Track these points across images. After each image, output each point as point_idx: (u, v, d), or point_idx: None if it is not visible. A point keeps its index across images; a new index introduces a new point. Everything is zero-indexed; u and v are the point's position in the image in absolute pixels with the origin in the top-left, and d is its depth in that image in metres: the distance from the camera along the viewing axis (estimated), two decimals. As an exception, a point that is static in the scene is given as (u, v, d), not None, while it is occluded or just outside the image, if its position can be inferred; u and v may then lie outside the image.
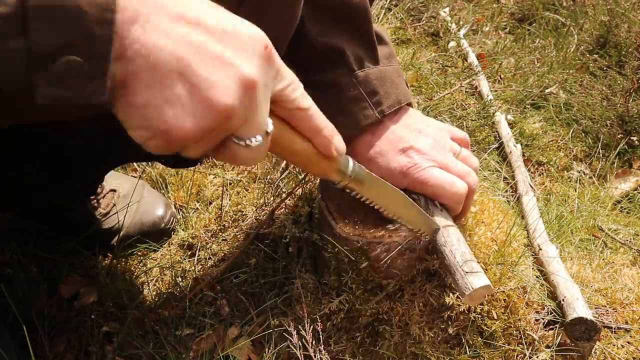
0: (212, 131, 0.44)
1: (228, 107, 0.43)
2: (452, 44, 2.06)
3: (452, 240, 0.77)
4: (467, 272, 0.73)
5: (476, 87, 1.80)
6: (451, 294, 0.84)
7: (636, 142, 1.68)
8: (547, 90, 1.85)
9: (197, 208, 1.27)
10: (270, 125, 0.49)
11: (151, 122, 0.42)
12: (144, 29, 0.40)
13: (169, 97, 0.41)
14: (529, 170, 1.45)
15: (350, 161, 0.65)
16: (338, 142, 0.59)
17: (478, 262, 0.87)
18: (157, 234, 1.17)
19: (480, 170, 0.90)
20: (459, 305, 0.85)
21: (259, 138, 0.48)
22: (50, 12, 0.36)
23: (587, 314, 0.86)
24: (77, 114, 0.42)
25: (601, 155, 1.64)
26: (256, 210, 1.18)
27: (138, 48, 0.39)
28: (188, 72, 0.41)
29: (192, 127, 0.42)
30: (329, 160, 0.60)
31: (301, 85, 0.53)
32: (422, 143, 0.84)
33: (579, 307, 0.87)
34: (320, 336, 0.87)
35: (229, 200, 1.23)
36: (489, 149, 1.52)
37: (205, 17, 0.43)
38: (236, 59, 0.43)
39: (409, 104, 0.90)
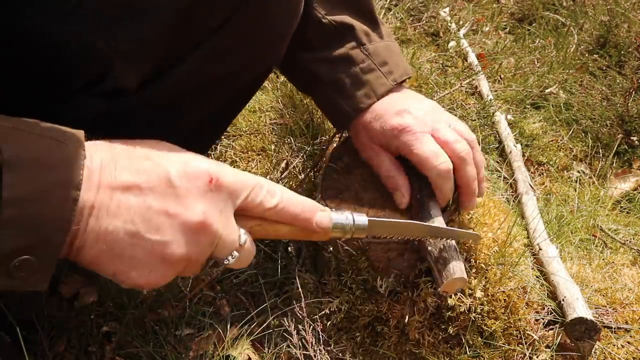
0: (181, 272, 0.51)
1: (182, 255, 0.49)
2: (452, 43, 2.06)
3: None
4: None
5: (476, 87, 1.79)
6: (452, 295, 0.84)
7: (636, 142, 1.68)
8: (547, 90, 1.85)
9: (197, 208, 1.27)
10: (242, 236, 0.54)
11: (125, 282, 0.49)
12: (96, 218, 0.46)
13: (130, 263, 0.48)
14: (529, 170, 1.45)
15: (346, 217, 0.64)
16: (319, 218, 0.60)
17: (478, 262, 0.87)
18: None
19: (474, 139, 0.87)
20: (460, 305, 0.85)
21: (235, 254, 0.53)
22: (18, 222, 0.41)
23: (587, 314, 0.86)
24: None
25: (601, 155, 1.64)
26: (256, 210, 1.18)
27: (94, 236, 0.46)
28: (139, 240, 0.47)
29: (157, 280, 0.50)
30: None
31: (264, 185, 0.55)
32: (417, 107, 0.85)
33: (579, 307, 0.87)
34: (320, 336, 0.87)
35: (229, 200, 1.23)
36: (489, 149, 1.52)
37: (148, 177, 0.48)
38: (179, 207, 0.48)
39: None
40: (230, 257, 0.53)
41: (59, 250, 0.44)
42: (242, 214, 0.54)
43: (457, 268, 0.74)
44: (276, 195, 0.56)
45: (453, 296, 0.84)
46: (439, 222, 0.79)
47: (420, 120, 0.82)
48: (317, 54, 0.88)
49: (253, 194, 0.54)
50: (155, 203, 0.48)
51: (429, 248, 0.77)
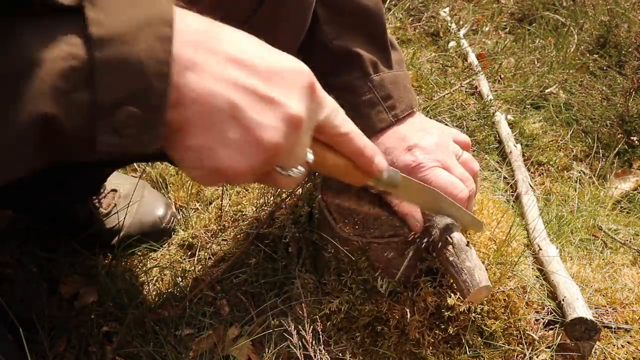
0: (260, 166, 0.47)
1: (277, 145, 0.45)
2: (452, 44, 2.06)
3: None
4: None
5: (476, 87, 1.80)
6: (452, 294, 0.84)
7: (636, 142, 1.68)
8: (547, 90, 1.85)
9: (197, 208, 1.27)
10: (310, 155, 0.52)
11: (205, 163, 0.44)
12: (198, 76, 0.42)
13: (222, 139, 0.44)
14: (529, 170, 1.45)
15: (386, 166, 0.65)
16: (379, 161, 0.60)
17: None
18: (157, 234, 1.17)
19: (480, 170, 0.90)
20: (459, 305, 0.85)
21: (300, 169, 0.51)
22: (114, 65, 0.38)
23: (587, 314, 0.86)
24: (128, 158, 0.44)
25: (601, 155, 1.64)
26: (256, 210, 1.18)
27: (194, 96, 0.42)
28: (240, 115, 0.43)
29: (243, 165, 0.45)
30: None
31: (341, 111, 0.54)
32: (426, 142, 0.84)
33: (579, 307, 0.87)
34: (320, 336, 0.87)
35: (229, 200, 1.23)
36: (489, 149, 1.52)
37: (254, 58, 0.45)
38: (284, 98, 0.46)
39: None
40: (295, 169, 0.50)
41: (164, 100, 0.40)
42: (312, 134, 0.53)
43: (482, 277, 0.74)
44: (349, 123, 0.55)
45: (453, 296, 0.84)
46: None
47: (431, 154, 0.83)
48: (321, 78, 0.87)
49: (333, 113, 0.53)
50: (262, 87, 0.45)
51: (451, 259, 0.76)
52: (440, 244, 0.79)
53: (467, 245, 0.77)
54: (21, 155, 0.39)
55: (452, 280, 0.80)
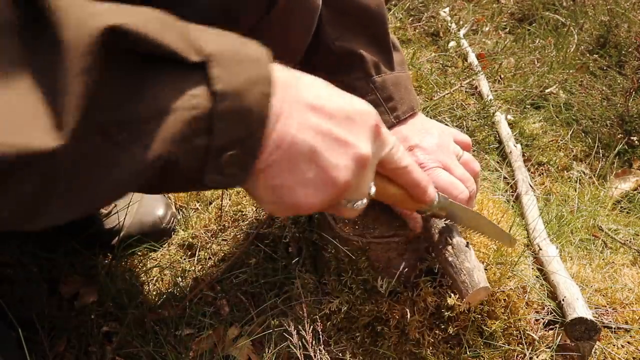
0: (331, 201, 0.52)
1: (347, 182, 0.50)
2: (452, 44, 2.06)
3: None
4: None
5: (476, 87, 1.80)
6: (452, 294, 0.84)
7: (636, 142, 1.68)
8: (547, 90, 1.85)
9: (197, 208, 1.27)
10: (372, 188, 0.56)
11: (285, 199, 0.50)
12: (284, 124, 0.47)
13: (300, 179, 0.49)
14: (528, 170, 1.45)
15: (436, 194, 0.69)
16: (432, 192, 0.64)
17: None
18: (157, 234, 1.17)
19: (480, 170, 0.90)
20: (459, 305, 0.85)
21: (364, 201, 0.56)
22: (229, 116, 0.43)
23: (587, 314, 0.86)
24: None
25: (601, 155, 1.64)
26: (256, 210, 1.18)
27: (278, 142, 0.47)
28: (317, 157, 0.49)
29: (318, 202, 0.50)
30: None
31: (401, 146, 0.59)
32: (427, 142, 0.84)
33: (579, 307, 0.87)
34: (320, 336, 0.87)
35: (229, 200, 1.23)
36: (489, 149, 1.52)
37: (329, 104, 0.50)
38: (354, 140, 0.51)
39: None
40: (359, 202, 0.55)
41: (260, 146, 0.45)
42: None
43: (481, 278, 0.73)
44: (407, 157, 0.60)
45: (453, 296, 0.84)
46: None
47: (432, 154, 0.83)
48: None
49: (394, 149, 0.57)
50: (336, 129, 0.50)
51: (450, 259, 0.76)
52: (439, 244, 0.79)
53: (467, 246, 0.77)
54: (132, 187, 0.43)
55: (450, 281, 0.80)
